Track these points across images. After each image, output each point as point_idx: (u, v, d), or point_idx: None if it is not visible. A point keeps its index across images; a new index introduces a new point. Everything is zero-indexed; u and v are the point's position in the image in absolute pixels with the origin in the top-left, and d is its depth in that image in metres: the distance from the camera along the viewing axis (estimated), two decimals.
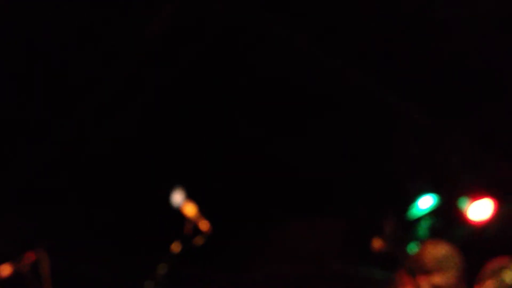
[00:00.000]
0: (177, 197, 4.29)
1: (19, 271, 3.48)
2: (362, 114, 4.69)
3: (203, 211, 3.56)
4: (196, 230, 3.50)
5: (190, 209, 3.56)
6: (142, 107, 4.64)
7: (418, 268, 3.49)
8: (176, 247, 3.43)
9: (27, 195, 4.87)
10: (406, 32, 4.24)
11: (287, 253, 5.43)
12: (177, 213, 3.57)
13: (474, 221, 5.14)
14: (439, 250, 3.55)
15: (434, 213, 5.21)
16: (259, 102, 4.62)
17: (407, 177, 5.08)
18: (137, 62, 4.36)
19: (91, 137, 4.62)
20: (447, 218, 5.16)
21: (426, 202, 5.30)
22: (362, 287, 5.14)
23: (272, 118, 4.88)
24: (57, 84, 4.39)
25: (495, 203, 5.11)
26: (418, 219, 5.14)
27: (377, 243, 3.44)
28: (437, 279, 3.47)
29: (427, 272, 3.48)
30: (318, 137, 5.02)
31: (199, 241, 3.48)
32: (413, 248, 4.31)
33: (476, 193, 5.12)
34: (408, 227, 4.72)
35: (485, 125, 4.57)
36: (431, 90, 4.38)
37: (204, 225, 3.50)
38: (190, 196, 3.62)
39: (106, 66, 4.32)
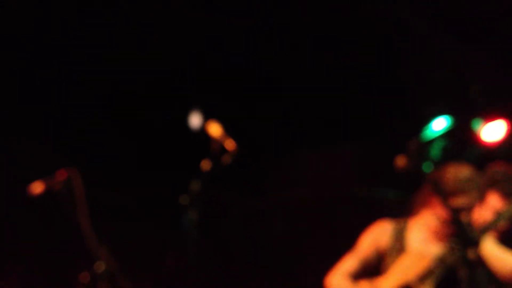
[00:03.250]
0: (195, 119, 4.31)
1: (51, 189, 3.56)
2: (380, 36, 4.70)
3: (228, 132, 3.63)
4: (223, 150, 3.58)
5: (215, 129, 3.62)
6: None
7: (442, 189, 3.57)
8: (206, 165, 3.51)
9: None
10: None
11: (308, 178, 5.54)
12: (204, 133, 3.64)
13: (487, 142, 5.23)
14: (462, 172, 3.63)
15: (447, 134, 5.28)
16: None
17: (422, 100, 5.13)
18: None
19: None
20: (460, 139, 5.24)
21: (440, 124, 5.36)
22: (380, 209, 5.26)
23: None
24: None
25: (508, 125, 5.19)
26: (432, 141, 5.22)
27: (400, 161, 3.49)
28: (461, 200, 3.56)
29: (450, 193, 3.57)
30: (334, 62, 5.05)
31: (226, 159, 3.56)
32: (427, 169, 4.39)
33: (489, 115, 5.18)
34: (422, 148, 4.79)
35: (504, 49, 4.58)
36: (452, 14, 4.37)
37: (230, 145, 3.57)
38: (215, 118, 3.68)
39: None
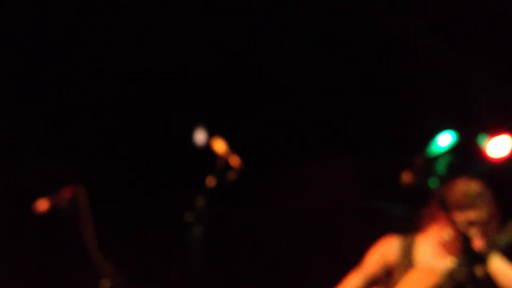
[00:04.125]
0: (200, 136, 4.31)
1: (57, 206, 3.55)
2: (386, 49, 4.71)
3: (232, 148, 3.63)
4: (228, 166, 3.58)
5: (219, 146, 3.62)
6: None
7: (451, 204, 3.55)
8: (210, 181, 3.51)
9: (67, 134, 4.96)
10: None
11: (312, 190, 5.53)
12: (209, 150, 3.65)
13: (492, 158, 5.21)
14: (471, 187, 3.62)
15: (453, 150, 5.27)
16: None
17: (427, 114, 5.12)
18: None
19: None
20: (466, 155, 5.23)
21: (445, 139, 5.35)
22: (386, 223, 5.24)
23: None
24: None
25: None
26: (437, 156, 5.21)
27: (406, 177, 3.48)
28: (472, 215, 3.54)
29: (460, 208, 3.55)
30: (340, 74, 5.05)
31: (231, 176, 3.56)
32: (433, 185, 4.38)
33: (495, 130, 5.18)
34: (428, 164, 4.79)
35: (508, 62, 4.58)
36: (457, 25, 4.37)
37: (234, 161, 3.57)
38: (219, 134, 3.68)
39: None
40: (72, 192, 3.56)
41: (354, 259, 3.90)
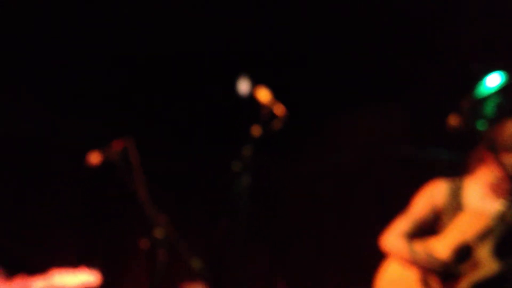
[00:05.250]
0: (244, 85, 4.33)
1: (108, 159, 3.63)
2: None
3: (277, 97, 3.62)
4: (273, 115, 3.58)
5: (263, 95, 3.62)
6: None
7: (500, 146, 3.50)
8: (256, 131, 3.53)
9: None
10: None
11: (356, 138, 5.50)
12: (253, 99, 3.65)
13: None
14: None
15: (501, 91, 5.17)
16: None
17: (475, 56, 5.01)
18: None
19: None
20: None
21: (493, 80, 5.25)
22: (431, 169, 5.21)
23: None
24: None
25: None
26: (485, 98, 5.12)
27: (453, 120, 3.43)
28: None
29: (509, 149, 3.50)
30: (381, 18, 4.97)
31: (276, 125, 3.57)
32: (481, 127, 4.31)
33: None
34: (476, 106, 4.71)
35: None
36: None
37: (279, 110, 3.57)
38: (262, 82, 3.68)
39: None
40: (122, 145, 3.63)
41: (399, 207, 3.90)
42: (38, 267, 3.63)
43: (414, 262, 3.67)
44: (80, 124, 5.30)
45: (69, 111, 5.31)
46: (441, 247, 3.67)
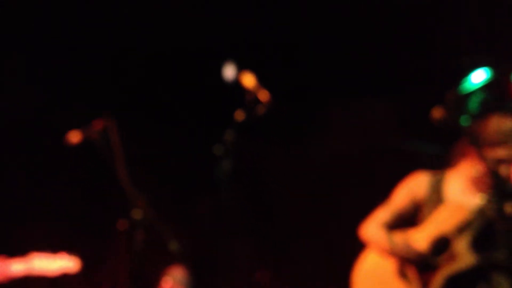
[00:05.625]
0: (229, 71, 4.30)
1: (88, 138, 3.60)
2: None
3: (262, 82, 3.61)
4: (257, 100, 3.57)
5: (248, 80, 3.60)
6: None
7: (482, 140, 3.51)
8: (239, 115, 3.51)
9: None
10: None
11: (344, 129, 5.51)
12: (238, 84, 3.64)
13: None
14: (505, 124, 3.56)
15: (486, 87, 5.19)
16: None
17: (461, 51, 5.03)
18: None
19: None
20: (500, 92, 5.15)
21: (479, 76, 5.27)
22: (415, 161, 5.22)
23: None
24: None
25: None
26: (470, 93, 5.14)
27: (437, 113, 3.43)
28: (502, 152, 3.50)
29: (491, 145, 3.51)
30: (371, 13, 4.97)
31: (260, 110, 3.55)
32: (464, 122, 4.32)
33: None
34: (460, 101, 4.73)
35: None
36: None
37: (263, 95, 3.56)
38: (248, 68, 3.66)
39: None
40: (103, 124, 3.60)
41: (382, 198, 3.90)
42: (17, 250, 3.61)
43: (392, 252, 3.68)
44: (61, 104, 5.27)
45: (50, 92, 5.27)
46: (420, 238, 3.68)
